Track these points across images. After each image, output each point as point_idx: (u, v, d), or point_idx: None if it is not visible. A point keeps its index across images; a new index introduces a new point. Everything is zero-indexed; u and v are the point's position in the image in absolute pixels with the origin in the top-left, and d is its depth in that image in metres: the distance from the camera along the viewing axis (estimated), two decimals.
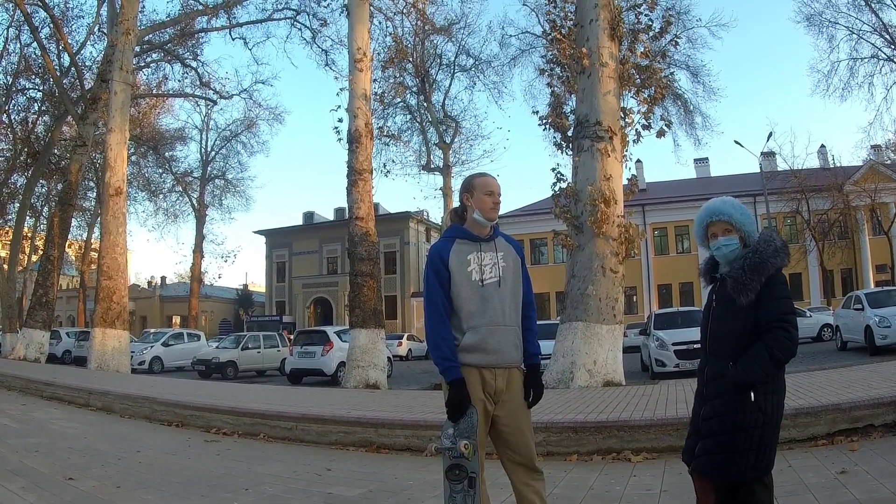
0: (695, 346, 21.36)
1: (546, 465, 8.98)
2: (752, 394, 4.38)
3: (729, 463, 4.41)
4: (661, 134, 20.10)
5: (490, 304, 5.12)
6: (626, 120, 19.14)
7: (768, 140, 77.24)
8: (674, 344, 23.44)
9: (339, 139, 25.22)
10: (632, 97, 19.68)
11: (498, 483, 6.73)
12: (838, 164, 62.28)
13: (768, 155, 61.48)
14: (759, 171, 57.74)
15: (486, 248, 5.25)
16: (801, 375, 14.62)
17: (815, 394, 10.56)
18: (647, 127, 19.45)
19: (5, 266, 49.13)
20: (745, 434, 4.39)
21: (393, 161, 48.88)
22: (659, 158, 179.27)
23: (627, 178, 19.65)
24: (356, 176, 23.40)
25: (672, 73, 24.60)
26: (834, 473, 7.29)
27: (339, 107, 25.57)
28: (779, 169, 62.92)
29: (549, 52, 21.72)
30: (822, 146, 68.95)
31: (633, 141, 19.27)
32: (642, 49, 19.86)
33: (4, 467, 9.09)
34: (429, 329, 5.23)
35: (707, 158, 77.20)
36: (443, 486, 5.07)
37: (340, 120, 25.20)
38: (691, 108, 44.45)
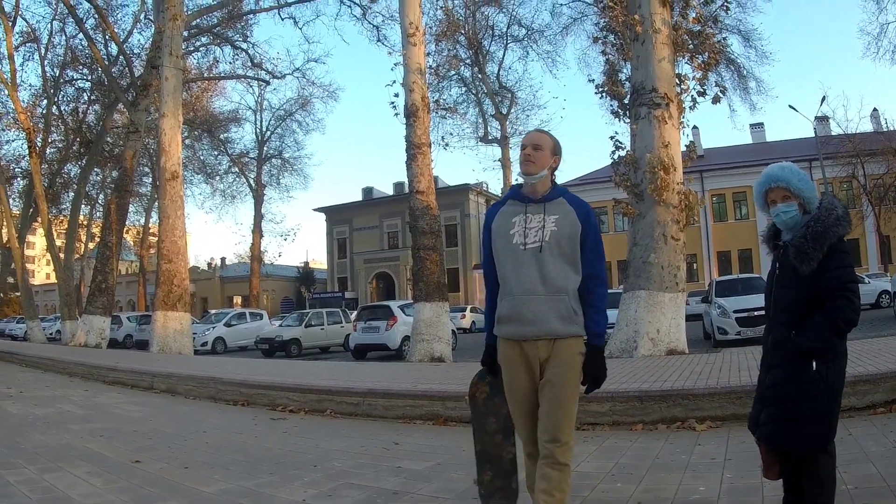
0: (756, 313, 21.60)
1: (612, 434, 9.05)
2: (814, 362, 4.38)
3: (792, 431, 4.42)
4: (716, 100, 19.92)
5: (526, 271, 4.76)
6: (682, 86, 19.04)
7: (821, 104, 76.70)
8: (735, 311, 23.08)
9: (396, 114, 25.20)
10: (686, 63, 19.64)
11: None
12: (892, 128, 61.40)
13: (822, 119, 60.63)
14: (813, 135, 57.11)
15: (534, 209, 4.87)
16: (860, 343, 14.41)
17: (873, 361, 10.46)
18: (702, 93, 19.34)
19: (62, 255, 49.78)
20: (808, 403, 4.40)
21: (451, 134, 49.30)
22: (714, 124, 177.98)
23: (685, 145, 19.53)
24: (415, 150, 23.39)
25: (724, 38, 24.43)
26: (893, 442, 7.24)
27: (395, 82, 25.63)
28: (833, 133, 62.16)
29: (602, 20, 21.64)
30: (875, 109, 68.14)
31: (690, 107, 19.16)
32: (694, 14, 19.72)
33: (69, 453, 9.14)
34: (487, 291, 5.22)
35: (762, 123, 76.11)
36: None
37: (396, 95, 25.23)
38: (745, 73, 44.10)
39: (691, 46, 19.39)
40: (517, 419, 4.98)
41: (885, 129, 60.98)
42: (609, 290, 21.50)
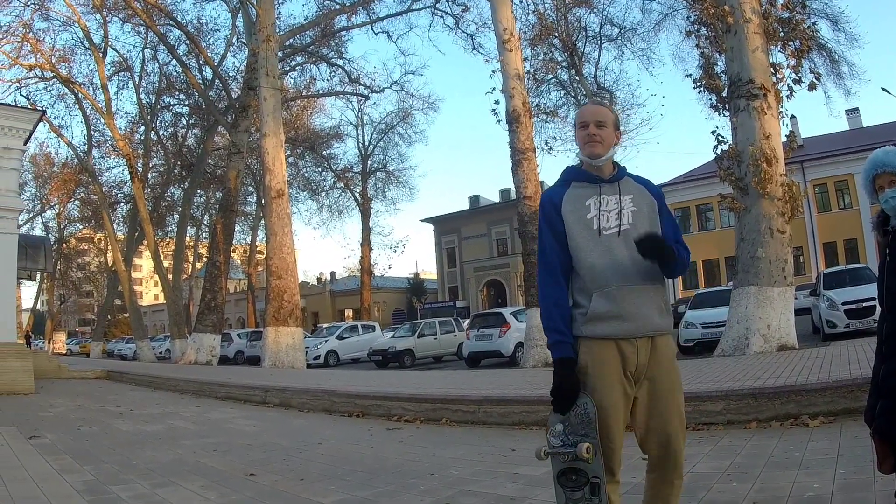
0: (864, 304, 21.24)
1: (726, 433, 8.99)
2: None
3: None
4: (812, 87, 19.76)
5: (619, 259, 4.17)
6: (778, 75, 18.93)
7: None
8: (843, 303, 22.51)
9: (499, 121, 25.44)
10: (779, 52, 19.51)
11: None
12: None
13: None
14: None
15: (609, 190, 4.32)
16: None
17: None
18: (797, 81, 19.18)
19: (170, 276, 50.61)
20: None
21: (553, 138, 48.59)
22: (810, 113, 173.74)
23: (785, 135, 19.33)
24: (520, 156, 23.50)
25: (814, 24, 24.11)
26: None
27: (494, 89, 25.77)
28: None
29: (692, 13, 21.56)
30: None
31: (787, 96, 19.05)
32: (782, 1, 19.60)
33: (182, 468, 9.25)
34: (539, 292, 4.44)
35: (858, 108, 73.65)
36: (555, 492, 4.16)
37: (497, 102, 25.35)
38: (836, 57, 43.18)
39: (782, 34, 19.27)
40: (609, 438, 4.06)
41: None
42: (718, 288, 21.72)
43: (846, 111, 71.84)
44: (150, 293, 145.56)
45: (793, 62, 19.17)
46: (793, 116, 21.24)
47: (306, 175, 69.21)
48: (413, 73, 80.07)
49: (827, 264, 59.80)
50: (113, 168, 57.01)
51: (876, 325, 4.68)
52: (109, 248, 63.46)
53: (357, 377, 22.67)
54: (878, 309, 4.59)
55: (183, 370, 30.44)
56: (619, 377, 4.09)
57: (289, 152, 55.16)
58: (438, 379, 20.03)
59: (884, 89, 67.31)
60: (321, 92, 57.13)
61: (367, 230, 71.57)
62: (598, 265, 4.17)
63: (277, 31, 36.28)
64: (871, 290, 19.52)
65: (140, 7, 39.70)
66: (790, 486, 6.21)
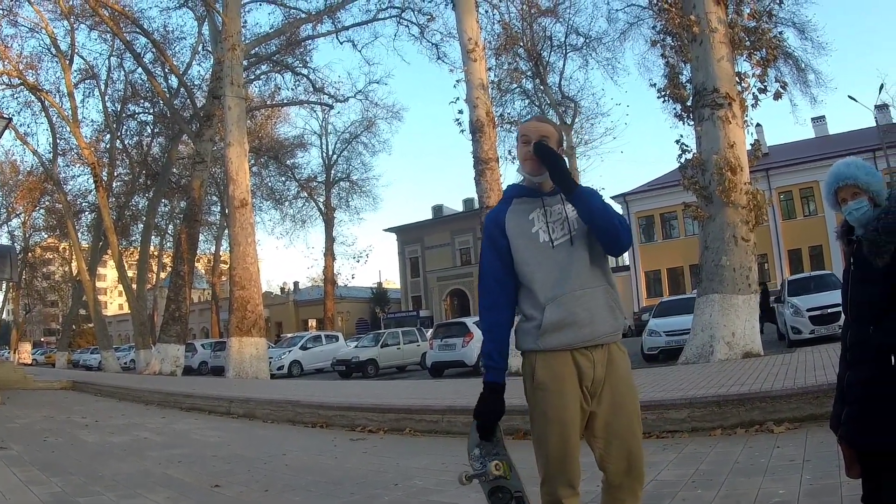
0: (829, 310, 21.44)
1: (691, 440, 8.99)
2: (893, 358, 4.14)
3: (873, 431, 4.22)
4: (777, 96, 19.80)
5: (570, 267, 4.05)
6: (743, 85, 19.02)
7: (880, 92, 75.70)
8: (808, 310, 22.75)
9: (462, 130, 25.31)
10: (745, 61, 19.59)
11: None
12: None
13: (882, 108, 59.32)
14: (875, 124, 56.12)
15: (552, 201, 4.20)
16: None
17: None
18: (763, 90, 19.28)
19: (134, 285, 50.40)
20: (889, 401, 4.16)
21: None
22: (776, 121, 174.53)
23: (750, 144, 19.43)
24: (483, 166, 23.35)
25: (780, 33, 24.21)
26: None
27: (458, 98, 25.65)
28: (894, 121, 61.00)
29: (658, 23, 21.63)
30: None
31: (752, 105, 19.14)
32: (748, 10, 19.68)
33: (148, 480, 9.18)
34: (480, 314, 4.43)
35: (824, 117, 74.31)
36: None
37: (461, 111, 25.28)
38: (803, 66, 43.50)
39: (748, 43, 19.38)
40: (567, 453, 4.10)
41: None
42: (682, 296, 21.83)
43: (812, 119, 72.53)
44: (115, 303, 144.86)
45: (758, 71, 19.27)
46: (758, 125, 21.42)
47: (270, 184, 69.60)
48: (377, 83, 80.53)
49: (792, 271, 60.04)
50: (78, 177, 56.83)
51: (841, 331, 4.71)
52: (74, 257, 63.21)
53: (321, 387, 22.76)
54: (843, 316, 4.62)
55: (148, 381, 30.28)
56: (576, 392, 4.02)
57: (252, 162, 55.03)
58: (402, 389, 20.20)
59: (850, 97, 67.67)
60: (285, 101, 57.43)
61: (330, 240, 71.91)
62: (548, 277, 4.08)
63: (243, 39, 36.21)
64: (835, 296, 19.71)
65: (107, 14, 39.57)
66: (755, 493, 6.22)
